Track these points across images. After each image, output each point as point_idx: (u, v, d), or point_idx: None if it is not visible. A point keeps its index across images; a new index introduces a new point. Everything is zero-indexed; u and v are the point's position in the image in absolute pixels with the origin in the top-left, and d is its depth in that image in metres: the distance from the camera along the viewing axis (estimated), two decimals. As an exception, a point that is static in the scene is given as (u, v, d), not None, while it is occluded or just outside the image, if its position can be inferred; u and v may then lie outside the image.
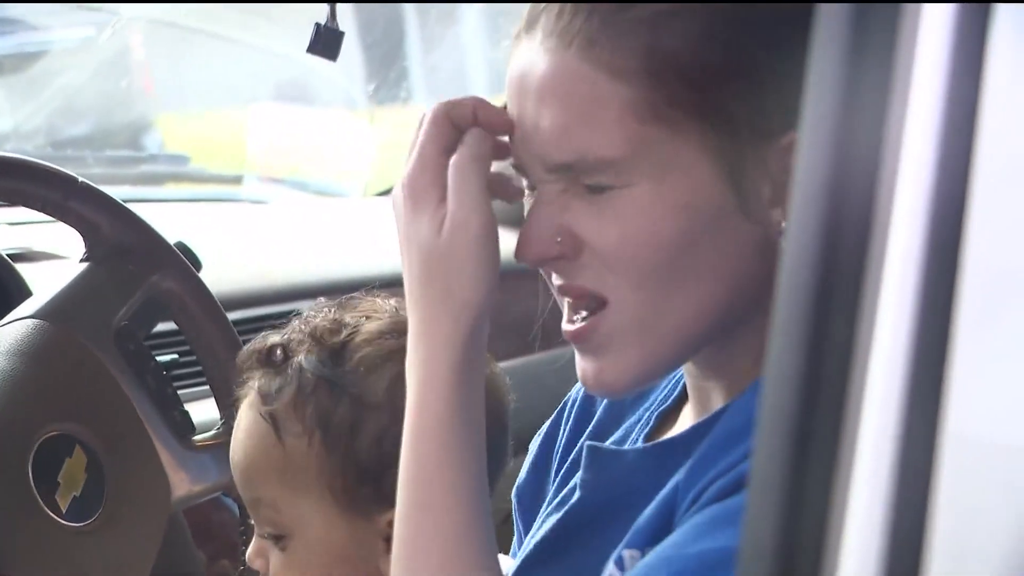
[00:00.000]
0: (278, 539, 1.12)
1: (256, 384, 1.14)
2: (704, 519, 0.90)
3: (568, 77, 0.93)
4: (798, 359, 0.59)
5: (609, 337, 0.95)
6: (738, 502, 0.88)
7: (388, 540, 1.05)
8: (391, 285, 2.26)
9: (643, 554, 0.94)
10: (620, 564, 0.95)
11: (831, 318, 0.59)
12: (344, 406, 1.09)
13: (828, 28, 0.60)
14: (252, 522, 1.17)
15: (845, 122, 0.60)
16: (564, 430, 1.13)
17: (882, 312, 0.58)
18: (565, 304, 0.98)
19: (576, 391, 1.14)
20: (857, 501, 0.57)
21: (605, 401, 1.11)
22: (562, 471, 1.11)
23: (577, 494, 1.03)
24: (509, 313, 1.50)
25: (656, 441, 1.01)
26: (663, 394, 1.08)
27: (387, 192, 2.82)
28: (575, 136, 0.93)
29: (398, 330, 1.11)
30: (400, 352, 1.00)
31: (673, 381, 1.08)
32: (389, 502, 1.02)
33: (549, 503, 1.09)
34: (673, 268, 0.93)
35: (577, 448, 1.09)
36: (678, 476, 0.95)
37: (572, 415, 1.13)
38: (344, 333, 1.14)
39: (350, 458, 1.10)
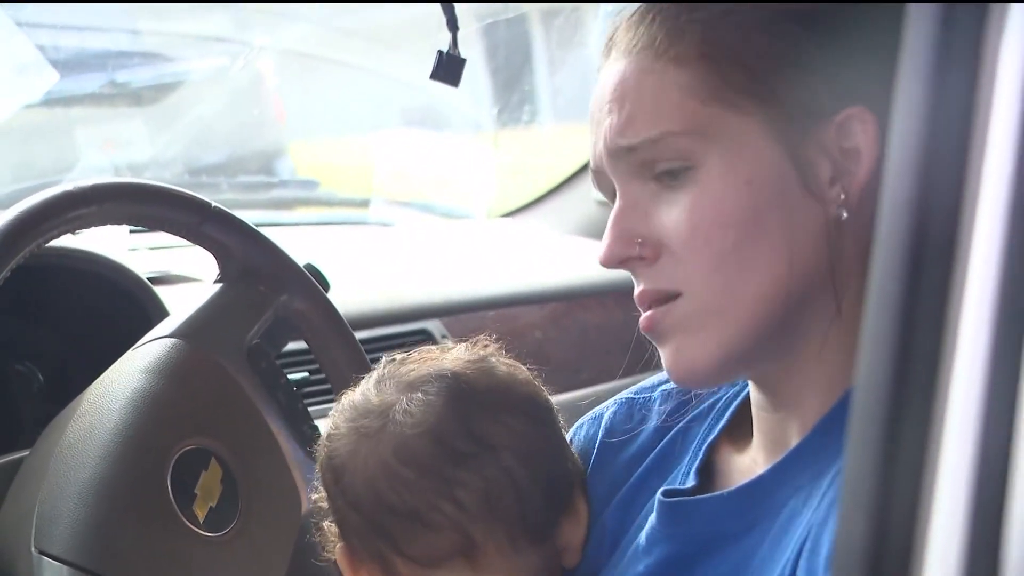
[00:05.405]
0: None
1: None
2: None
3: (635, 74, 1.00)
4: (886, 370, 0.62)
5: (679, 325, 1.00)
6: None
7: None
8: (513, 304, 2.30)
9: None
10: None
11: (917, 329, 0.61)
12: None
13: (917, 27, 0.62)
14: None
15: (932, 128, 0.62)
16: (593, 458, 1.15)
17: (965, 321, 0.60)
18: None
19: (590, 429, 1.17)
20: (942, 498, 0.59)
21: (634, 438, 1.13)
22: (611, 510, 1.12)
23: (657, 547, 1.05)
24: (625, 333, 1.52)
25: (740, 486, 1.03)
26: (706, 426, 1.10)
27: (510, 214, 2.86)
28: (641, 120, 0.99)
29: None
30: None
31: (715, 411, 1.11)
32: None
33: (604, 546, 1.11)
34: (741, 248, 0.98)
35: (627, 490, 1.12)
36: (806, 518, 0.97)
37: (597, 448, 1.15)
38: None
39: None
